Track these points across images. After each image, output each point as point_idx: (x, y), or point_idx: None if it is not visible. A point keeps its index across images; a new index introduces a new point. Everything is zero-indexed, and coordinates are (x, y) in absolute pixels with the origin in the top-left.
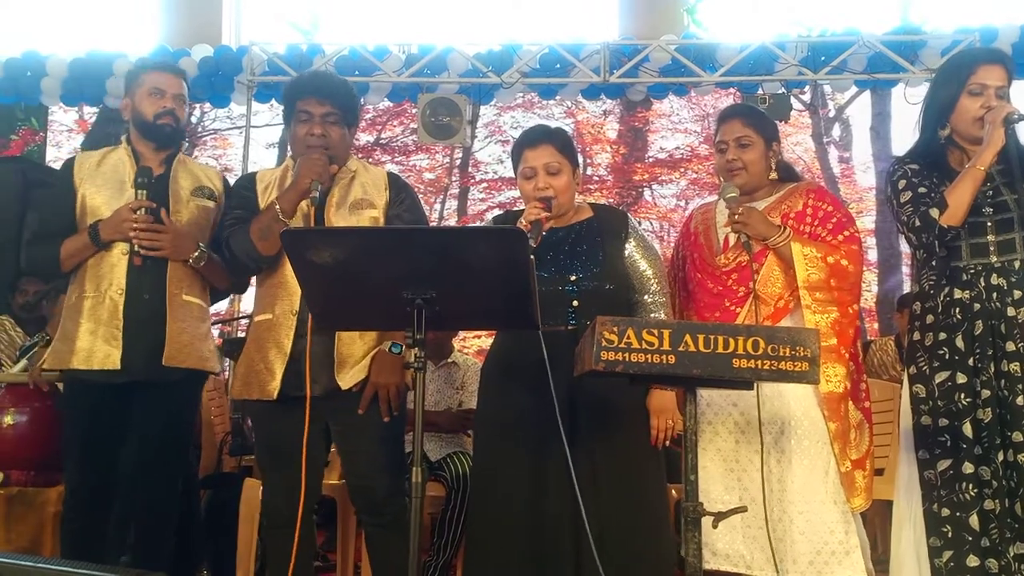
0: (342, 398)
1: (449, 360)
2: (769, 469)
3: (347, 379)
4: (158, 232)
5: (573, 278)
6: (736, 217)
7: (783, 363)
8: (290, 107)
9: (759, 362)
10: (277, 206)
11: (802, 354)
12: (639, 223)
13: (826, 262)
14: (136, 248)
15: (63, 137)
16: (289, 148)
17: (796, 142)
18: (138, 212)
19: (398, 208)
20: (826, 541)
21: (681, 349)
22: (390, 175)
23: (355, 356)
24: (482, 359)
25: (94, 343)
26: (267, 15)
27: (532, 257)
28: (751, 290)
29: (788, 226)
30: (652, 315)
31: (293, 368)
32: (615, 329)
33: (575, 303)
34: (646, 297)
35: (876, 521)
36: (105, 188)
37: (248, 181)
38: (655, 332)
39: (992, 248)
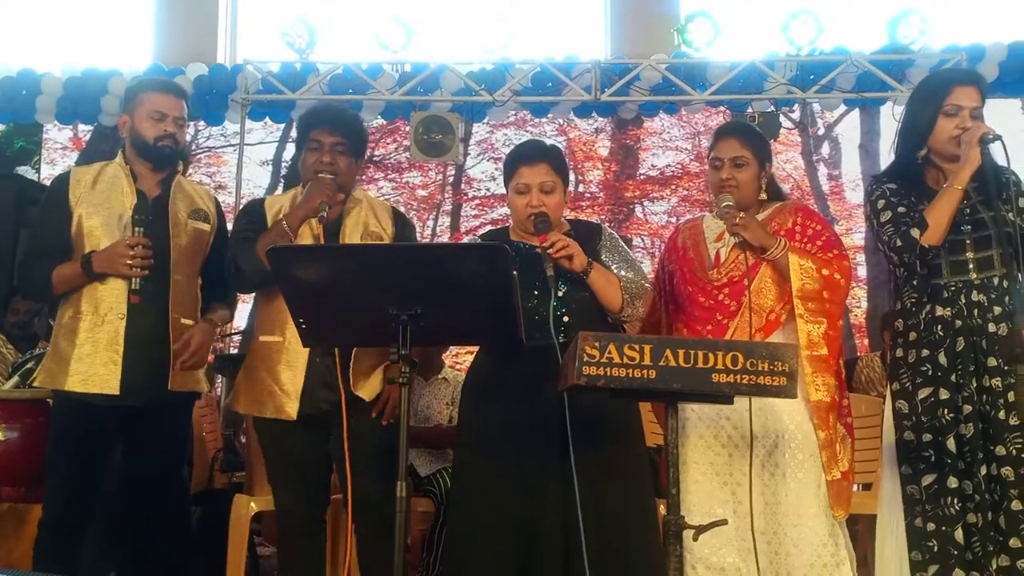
0: (354, 407)
1: (439, 376)
2: (763, 482)
3: (367, 390)
4: (190, 350)
5: (560, 293)
6: (737, 220)
7: (762, 377)
8: (303, 135)
9: (738, 377)
10: (284, 223)
11: (780, 369)
12: (630, 239)
13: (820, 274)
14: (135, 286)
15: (57, 155)
16: (284, 170)
17: (786, 160)
18: (135, 248)
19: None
20: (819, 554)
21: (662, 364)
22: (394, 210)
23: (369, 367)
24: None
25: (91, 366)
26: (262, 33)
27: (515, 273)
28: (743, 304)
29: None
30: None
31: (308, 387)
32: (597, 344)
33: (565, 318)
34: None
35: (867, 537)
36: (101, 209)
37: (258, 205)
38: (636, 347)
39: (971, 265)
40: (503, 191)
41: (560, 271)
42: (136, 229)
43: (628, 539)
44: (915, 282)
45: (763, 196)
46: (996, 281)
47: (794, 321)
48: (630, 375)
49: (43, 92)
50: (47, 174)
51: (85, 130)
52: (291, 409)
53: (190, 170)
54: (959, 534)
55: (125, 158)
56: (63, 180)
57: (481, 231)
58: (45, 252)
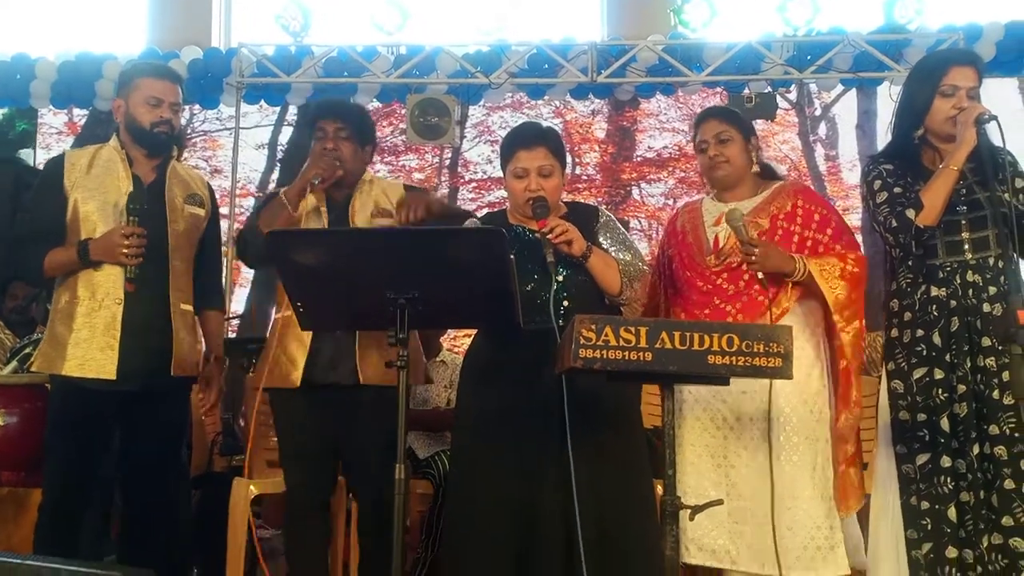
0: (361, 394)
1: (438, 359)
2: (759, 464)
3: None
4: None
5: (560, 278)
6: (753, 258)
7: (757, 359)
8: (311, 127)
9: (733, 358)
10: (282, 194)
11: (775, 350)
12: (627, 221)
13: (844, 276)
14: (129, 275)
15: (52, 139)
16: (280, 153)
17: (783, 140)
18: (130, 237)
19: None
20: (813, 536)
21: (658, 346)
22: (406, 187)
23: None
24: None
25: (88, 351)
26: (256, 16)
27: (512, 257)
28: (740, 289)
29: (779, 227)
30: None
31: (313, 359)
32: (593, 327)
33: (565, 302)
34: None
35: (862, 516)
36: (97, 194)
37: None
38: (632, 330)
39: (967, 246)
40: (500, 174)
41: (559, 256)
42: (131, 218)
43: (627, 528)
44: (910, 262)
45: (755, 169)
46: (991, 261)
47: (800, 306)
48: (626, 358)
49: (37, 77)
50: (42, 159)
51: (80, 114)
52: (295, 377)
53: (186, 154)
54: (952, 512)
55: (120, 142)
56: (58, 163)
57: (479, 214)
58: (40, 235)
